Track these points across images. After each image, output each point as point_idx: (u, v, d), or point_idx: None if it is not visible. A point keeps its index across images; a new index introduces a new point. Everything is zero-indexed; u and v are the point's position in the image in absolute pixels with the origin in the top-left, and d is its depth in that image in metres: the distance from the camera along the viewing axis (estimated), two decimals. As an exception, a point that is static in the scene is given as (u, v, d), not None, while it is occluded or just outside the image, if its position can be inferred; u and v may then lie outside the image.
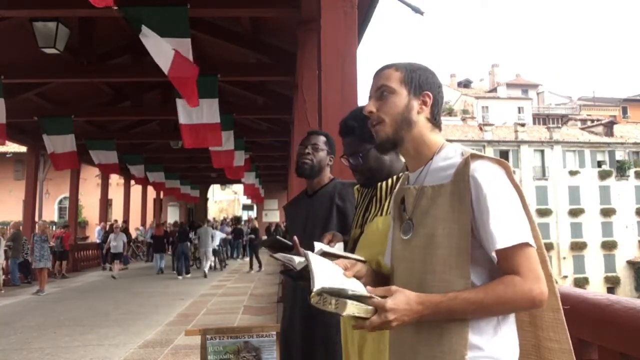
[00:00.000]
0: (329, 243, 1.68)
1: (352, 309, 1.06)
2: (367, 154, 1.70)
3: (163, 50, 5.48)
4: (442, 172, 1.21)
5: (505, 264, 1.11)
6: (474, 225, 1.14)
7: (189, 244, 14.76)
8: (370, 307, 1.08)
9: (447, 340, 1.13)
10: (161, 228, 16.78)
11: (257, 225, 17.91)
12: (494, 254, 1.12)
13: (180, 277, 13.70)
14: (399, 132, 1.26)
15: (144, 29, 5.37)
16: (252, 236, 16.64)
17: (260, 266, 15.67)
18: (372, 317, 1.08)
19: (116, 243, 14.99)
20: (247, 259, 20.84)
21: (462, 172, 1.16)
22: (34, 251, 11.68)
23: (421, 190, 1.23)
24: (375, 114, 1.27)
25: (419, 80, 1.28)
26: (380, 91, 1.28)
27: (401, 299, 1.10)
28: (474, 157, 1.18)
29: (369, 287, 1.13)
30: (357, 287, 1.14)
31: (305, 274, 1.52)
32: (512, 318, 1.18)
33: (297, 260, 1.55)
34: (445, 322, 1.13)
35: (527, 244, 1.11)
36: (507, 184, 1.17)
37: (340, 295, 1.07)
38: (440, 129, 1.31)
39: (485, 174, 1.15)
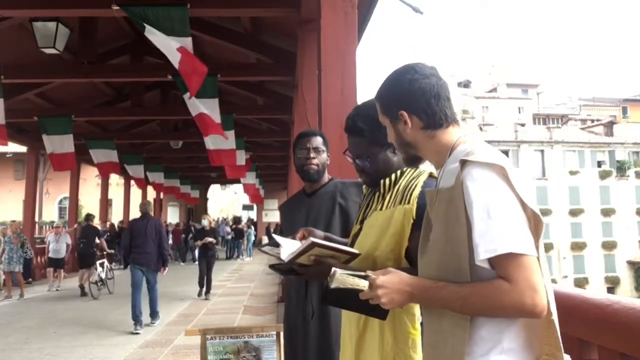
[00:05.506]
0: (302, 239, 1.69)
1: (342, 279, 1.15)
2: (375, 157, 1.67)
3: (169, 46, 5.54)
4: (451, 175, 1.18)
5: (498, 272, 1.06)
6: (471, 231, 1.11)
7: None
8: (364, 281, 1.16)
9: (450, 345, 1.14)
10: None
11: (210, 224, 11.40)
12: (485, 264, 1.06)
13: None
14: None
15: (148, 27, 5.41)
16: (212, 240, 10.57)
17: (208, 290, 10.16)
18: (365, 290, 1.15)
19: (58, 247, 11.50)
20: (248, 259, 20.67)
21: (458, 178, 1.13)
22: (4, 252, 10.43)
23: (438, 191, 1.23)
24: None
25: (392, 103, 1.29)
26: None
27: (393, 278, 1.15)
28: (465, 162, 1.12)
29: (368, 271, 1.19)
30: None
31: (294, 267, 1.53)
32: (517, 329, 1.11)
33: (284, 253, 1.56)
34: (449, 326, 1.14)
35: (516, 254, 1.04)
36: (499, 189, 1.09)
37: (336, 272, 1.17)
38: (448, 124, 1.26)
39: (474, 180, 1.10)
